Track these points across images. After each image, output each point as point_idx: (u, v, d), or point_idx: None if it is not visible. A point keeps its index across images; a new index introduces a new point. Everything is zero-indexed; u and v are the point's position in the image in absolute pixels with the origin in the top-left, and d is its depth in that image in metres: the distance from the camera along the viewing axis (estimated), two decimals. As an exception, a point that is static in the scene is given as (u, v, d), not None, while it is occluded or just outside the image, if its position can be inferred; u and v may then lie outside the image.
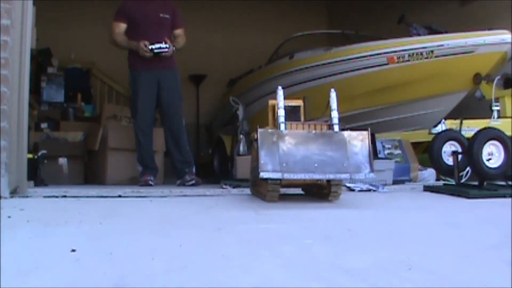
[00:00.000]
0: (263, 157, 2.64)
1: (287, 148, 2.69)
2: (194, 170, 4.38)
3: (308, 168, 2.66)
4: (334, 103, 2.87)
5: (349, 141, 2.70)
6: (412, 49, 4.87)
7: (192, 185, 4.12)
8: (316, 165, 2.65)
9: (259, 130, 2.72)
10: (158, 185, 4.34)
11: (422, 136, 4.88)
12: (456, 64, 4.71)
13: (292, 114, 3.08)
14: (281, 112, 2.80)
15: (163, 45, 4.17)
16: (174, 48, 4.26)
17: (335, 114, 2.83)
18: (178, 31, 4.43)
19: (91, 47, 7.33)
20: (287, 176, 2.63)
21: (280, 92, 2.88)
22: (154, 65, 4.24)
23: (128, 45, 4.29)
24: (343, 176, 2.70)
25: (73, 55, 7.41)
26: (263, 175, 2.62)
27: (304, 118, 3.06)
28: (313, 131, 2.79)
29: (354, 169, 2.65)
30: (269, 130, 2.77)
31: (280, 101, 2.86)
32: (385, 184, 3.86)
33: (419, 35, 5.04)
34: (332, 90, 2.92)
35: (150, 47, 4.14)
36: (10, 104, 2.79)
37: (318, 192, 3.05)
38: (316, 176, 2.73)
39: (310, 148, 2.70)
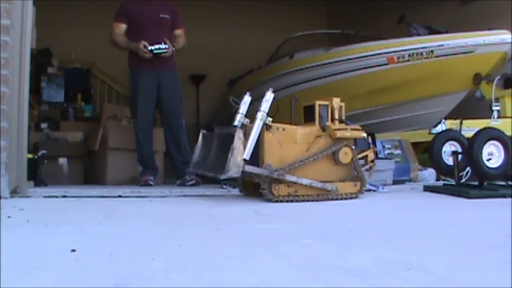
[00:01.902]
0: (196, 155, 3.15)
1: (215, 148, 3.04)
2: None
3: (211, 167, 2.98)
4: (263, 105, 2.97)
5: (235, 142, 2.79)
6: (412, 49, 4.87)
7: (192, 185, 4.11)
8: (216, 164, 2.94)
9: (202, 132, 3.20)
10: (158, 185, 4.34)
11: (422, 136, 4.87)
12: (456, 64, 4.71)
13: (311, 114, 3.13)
14: (238, 117, 3.03)
15: (162, 46, 4.15)
16: (173, 49, 4.25)
17: (257, 115, 2.94)
18: (178, 31, 4.41)
19: (91, 47, 7.33)
20: (198, 172, 3.17)
21: (247, 97, 3.12)
22: (154, 66, 4.23)
23: (128, 46, 4.28)
24: (209, 175, 2.95)
25: (73, 55, 7.41)
26: (189, 169, 3.26)
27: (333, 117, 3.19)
28: (225, 133, 2.99)
29: (226, 169, 2.76)
30: (208, 134, 3.17)
31: (243, 106, 3.07)
32: (385, 184, 3.86)
33: (419, 35, 5.04)
34: (269, 89, 3.03)
35: (149, 48, 4.13)
36: (10, 104, 2.79)
37: None
38: (208, 174, 3.02)
39: (222, 149, 2.93)
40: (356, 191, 3.11)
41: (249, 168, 2.85)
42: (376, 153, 3.45)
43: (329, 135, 3.11)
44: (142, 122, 4.33)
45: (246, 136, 2.91)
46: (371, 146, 3.37)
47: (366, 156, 3.33)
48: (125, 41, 4.29)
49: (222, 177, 2.81)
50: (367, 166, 3.35)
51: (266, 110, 2.95)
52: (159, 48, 4.15)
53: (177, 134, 4.37)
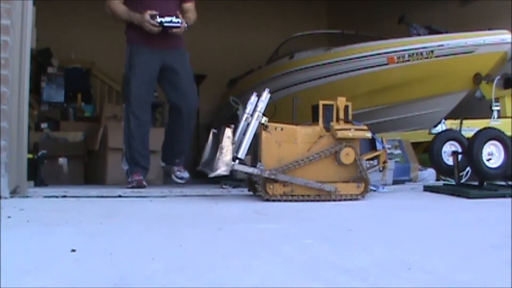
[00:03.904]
0: (206, 154, 3.16)
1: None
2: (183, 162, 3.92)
3: (208, 165, 3.00)
4: (259, 105, 2.98)
5: (223, 141, 2.84)
6: (412, 49, 4.87)
7: (180, 182, 3.71)
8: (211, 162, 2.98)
9: (212, 131, 3.14)
10: (158, 185, 4.33)
11: (422, 136, 4.87)
12: (456, 64, 4.71)
13: (327, 112, 3.15)
14: (244, 117, 3.04)
15: (174, 19, 3.53)
16: (186, 25, 3.62)
17: (253, 115, 2.96)
18: (188, 5, 3.84)
19: (91, 47, 7.35)
20: (202, 170, 3.12)
21: (254, 98, 3.07)
22: (158, 43, 3.64)
23: (129, 18, 3.62)
24: (208, 172, 2.95)
25: (73, 55, 7.41)
26: (198, 167, 3.20)
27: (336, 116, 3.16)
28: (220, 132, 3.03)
29: (215, 168, 2.83)
30: (218, 133, 3.07)
31: (249, 106, 3.03)
32: (385, 184, 3.85)
33: (419, 35, 5.04)
34: (266, 90, 3.03)
35: (158, 20, 3.50)
36: (10, 104, 2.79)
37: None
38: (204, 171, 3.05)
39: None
40: (359, 192, 3.05)
41: (239, 167, 2.89)
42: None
43: (332, 135, 3.08)
44: (137, 105, 3.62)
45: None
46: (385, 146, 3.36)
47: (379, 156, 3.33)
48: (125, 11, 3.61)
49: (211, 175, 2.87)
50: (379, 167, 3.35)
51: (262, 110, 2.96)
52: (171, 21, 3.53)
53: (186, 119, 3.79)
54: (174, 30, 3.58)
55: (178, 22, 3.56)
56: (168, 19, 3.53)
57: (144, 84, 3.66)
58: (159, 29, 3.53)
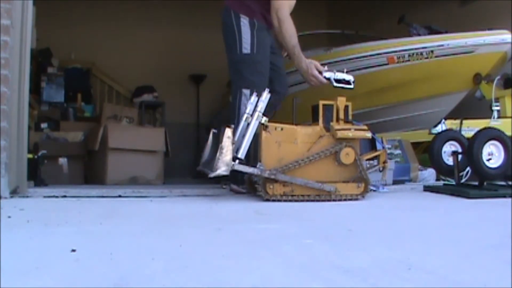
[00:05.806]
0: (206, 154, 3.17)
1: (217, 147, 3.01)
2: None
3: (208, 165, 2.99)
4: (259, 105, 2.97)
5: (223, 141, 2.84)
6: (412, 49, 4.87)
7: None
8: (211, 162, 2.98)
9: (212, 131, 3.14)
10: (158, 185, 4.33)
11: (422, 136, 4.87)
12: (456, 64, 4.71)
13: (327, 112, 3.17)
14: (244, 117, 3.02)
15: (347, 77, 3.13)
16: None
17: (253, 115, 2.97)
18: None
19: (91, 47, 7.34)
20: (202, 170, 3.11)
21: (254, 98, 3.05)
22: (270, 20, 3.35)
23: (292, 49, 3.26)
24: (208, 172, 2.93)
25: (73, 55, 7.42)
26: (198, 168, 3.20)
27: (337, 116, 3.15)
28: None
29: (215, 168, 2.82)
30: (218, 133, 3.06)
31: (249, 106, 3.02)
32: (385, 184, 3.86)
33: (419, 35, 5.04)
34: (266, 89, 3.01)
35: (326, 75, 3.21)
36: (10, 104, 2.79)
37: None
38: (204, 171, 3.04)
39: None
40: (359, 192, 3.06)
41: (239, 167, 2.89)
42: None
43: (332, 135, 3.09)
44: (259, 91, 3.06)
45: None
46: (385, 146, 3.36)
47: (379, 156, 3.33)
48: (296, 38, 3.26)
49: (211, 175, 2.86)
50: (379, 167, 3.35)
51: (262, 110, 2.96)
52: (344, 81, 3.14)
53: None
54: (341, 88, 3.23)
55: (351, 82, 3.16)
56: (341, 76, 3.16)
57: (268, 68, 3.34)
58: (318, 84, 3.19)
